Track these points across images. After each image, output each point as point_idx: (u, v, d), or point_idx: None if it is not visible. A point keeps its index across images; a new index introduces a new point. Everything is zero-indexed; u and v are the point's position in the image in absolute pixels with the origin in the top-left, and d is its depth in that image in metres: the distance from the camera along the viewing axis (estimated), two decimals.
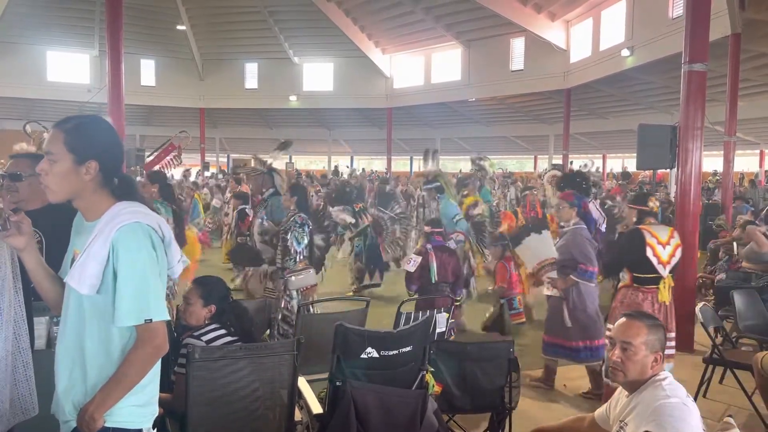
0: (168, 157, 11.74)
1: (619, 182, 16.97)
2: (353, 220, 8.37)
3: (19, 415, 2.16)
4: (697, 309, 4.90)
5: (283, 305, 4.98)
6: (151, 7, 22.14)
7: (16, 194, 2.72)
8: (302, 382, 3.27)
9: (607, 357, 2.48)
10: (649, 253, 4.37)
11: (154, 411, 2.03)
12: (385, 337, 3.19)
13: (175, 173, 16.41)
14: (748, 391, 4.54)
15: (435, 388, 3.42)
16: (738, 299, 5.23)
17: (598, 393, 4.83)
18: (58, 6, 21.80)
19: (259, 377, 2.90)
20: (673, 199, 12.63)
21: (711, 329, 4.83)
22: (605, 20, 18.76)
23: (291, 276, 5.07)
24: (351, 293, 8.79)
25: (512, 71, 22.64)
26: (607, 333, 4.57)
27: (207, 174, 22.92)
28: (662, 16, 15.38)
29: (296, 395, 3.08)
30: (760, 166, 25.05)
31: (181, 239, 4.83)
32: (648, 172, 18.04)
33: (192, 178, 18.63)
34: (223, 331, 3.18)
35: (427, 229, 5.97)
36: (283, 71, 27.36)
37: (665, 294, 4.48)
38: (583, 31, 20.04)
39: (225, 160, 32.86)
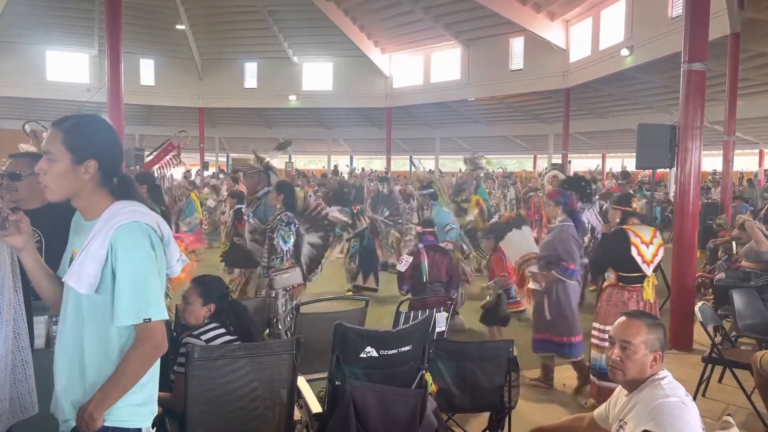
0: (167, 157, 11.74)
1: (619, 182, 16.97)
2: (349, 221, 8.37)
3: (18, 414, 2.16)
4: (696, 308, 4.91)
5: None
6: (151, 7, 22.12)
7: (15, 193, 2.73)
8: (302, 382, 3.27)
9: (607, 356, 2.48)
10: (633, 252, 4.46)
11: (154, 410, 2.04)
12: (384, 337, 3.19)
13: (176, 173, 16.41)
14: (747, 390, 4.54)
15: (432, 386, 3.42)
16: (737, 298, 5.23)
17: (585, 383, 4.97)
18: (58, 5, 21.77)
19: (258, 376, 2.90)
20: (672, 199, 12.65)
21: (710, 328, 4.84)
22: (605, 20, 18.76)
23: (276, 275, 5.07)
24: (350, 292, 8.80)
25: (511, 71, 22.63)
26: (591, 329, 4.65)
27: (207, 173, 22.91)
28: (662, 15, 15.38)
29: (295, 394, 3.08)
30: (760, 165, 25.05)
31: None
32: (647, 172, 18.05)
33: (192, 178, 18.61)
34: (222, 330, 3.18)
35: (418, 229, 6.01)
36: (283, 71, 27.34)
37: (649, 292, 4.58)
38: (582, 31, 20.03)
39: (224, 159, 32.85)
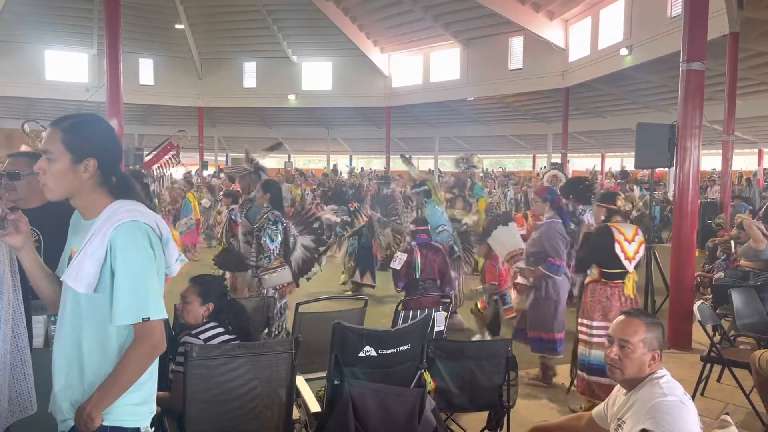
0: (166, 156, 11.73)
1: (618, 181, 16.98)
2: (338, 220, 8.38)
3: (17, 414, 2.17)
4: (695, 307, 4.92)
5: None
6: (150, 6, 22.11)
7: (14, 193, 2.73)
8: (300, 381, 3.28)
9: (605, 354, 2.48)
10: (617, 249, 4.52)
11: (152, 409, 2.03)
12: (383, 336, 3.19)
13: (176, 173, 16.39)
14: (745, 389, 4.55)
15: (431, 385, 3.43)
16: (736, 297, 5.24)
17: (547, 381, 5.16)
18: (57, 5, 21.77)
19: (257, 376, 2.90)
20: (671, 198, 12.66)
21: (709, 327, 4.85)
22: (604, 19, 18.76)
23: (265, 274, 5.06)
24: (349, 292, 8.80)
25: (511, 70, 22.63)
26: (580, 326, 4.70)
27: (206, 173, 22.90)
28: (661, 15, 15.38)
29: (294, 394, 3.08)
30: (759, 164, 25.05)
31: None
32: (646, 171, 18.06)
33: (191, 178, 18.59)
34: (221, 330, 3.19)
35: (412, 227, 6.06)
36: (282, 70, 27.34)
37: (630, 288, 4.64)
38: (581, 30, 20.03)
39: (224, 159, 32.84)
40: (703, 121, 6.59)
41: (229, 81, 27.47)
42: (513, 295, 5.80)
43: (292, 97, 27.27)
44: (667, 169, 8.93)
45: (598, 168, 19.78)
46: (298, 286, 5.42)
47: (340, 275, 9.37)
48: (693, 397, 3.15)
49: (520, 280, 5.37)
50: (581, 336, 4.63)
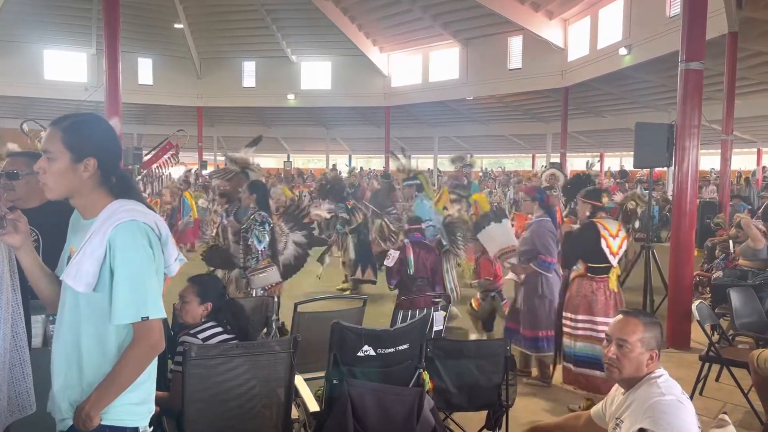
0: (165, 156, 11.76)
1: (617, 180, 16.99)
2: (327, 216, 8.41)
3: (16, 413, 2.17)
4: (693, 306, 4.92)
5: None
6: (149, 6, 22.09)
7: (12, 193, 2.73)
8: (299, 380, 3.28)
9: (604, 353, 2.49)
10: (603, 244, 4.61)
11: (151, 409, 2.03)
12: (381, 335, 3.19)
13: (176, 173, 16.40)
14: (744, 388, 4.56)
15: (429, 384, 3.43)
16: (734, 297, 5.25)
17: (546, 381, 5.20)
18: (56, 5, 21.75)
19: (255, 375, 2.90)
20: (670, 198, 12.67)
21: (707, 327, 4.85)
22: (603, 19, 18.76)
23: (253, 275, 5.06)
24: (349, 291, 8.81)
25: (510, 70, 22.62)
26: (565, 319, 4.74)
27: (206, 172, 22.87)
28: (660, 14, 15.39)
29: (293, 393, 3.08)
30: (757, 164, 25.07)
31: None
32: (645, 171, 18.08)
33: (188, 178, 18.60)
34: (219, 329, 3.19)
35: (406, 226, 6.09)
36: (281, 70, 27.32)
37: (614, 282, 4.72)
38: (580, 30, 20.03)
39: (223, 158, 32.81)
40: (702, 121, 6.60)
41: (228, 81, 27.45)
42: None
43: (291, 96, 27.26)
44: (665, 168, 8.94)
45: (597, 168, 19.65)
46: (282, 285, 5.43)
47: (339, 274, 9.35)
48: (691, 397, 3.15)
49: (509, 276, 5.44)
50: (566, 329, 4.72)
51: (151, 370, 2.00)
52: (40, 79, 24.62)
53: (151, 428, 2.04)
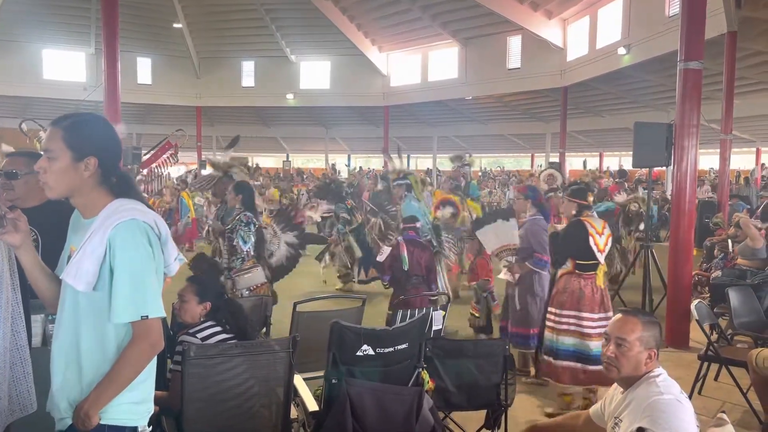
0: (164, 156, 11.76)
1: (616, 180, 16.99)
2: (319, 219, 8.40)
3: (17, 412, 2.17)
4: (692, 306, 4.93)
5: None
6: (148, 5, 22.10)
7: (12, 192, 2.73)
8: (298, 380, 3.28)
9: (602, 352, 2.49)
10: (591, 242, 4.67)
11: (150, 408, 2.03)
12: (380, 335, 3.20)
13: (175, 172, 16.38)
14: (743, 387, 4.57)
15: (429, 384, 3.43)
16: (733, 296, 5.26)
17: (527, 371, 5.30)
18: (54, 4, 21.75)
19: (254, 375, 2.90)
20: (669, 197, 12.67)
21: (706, 326, 4.85)
22: (602, 18, 18.77)
23: (238, 275, 5.05)
24: (347, 288, 8.82)
25: (509, 69, 22.64)
26: (549, 314, 4.79)
27: (204, 172, 22.82)
28: (659, 14, 15.40)
29: (292, 392, 3.08)
30: (756, 163, 25.11)
31: None
32: (644, 170, 18.10)
33: (184, 177, 18.59)
34: (218, 329, 3.19)
35: (401, 225, 6.13)
36: (280, 69, 27.32)
37: (601, 278, 4.79)
38: (579, 30, 20.04)
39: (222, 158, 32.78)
40: (701, 120, 6.60)
41: (228, 80, 27.45)
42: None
43: (290, 96, 27.26)
44: (664, 168, 8.94)
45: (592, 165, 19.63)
46: (268, 286, 5.42)
47: (338, 276, 9.33)
48: (690, 396, 3.15)
49: (503, 275, 5.44)
50: (549, 323, 4.78)
51: (151, 369, 2.00)
52: (39, 79, 24.63)
53: (150, 428, 2.03)
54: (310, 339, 3.59)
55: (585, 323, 4.58)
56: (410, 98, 26.31)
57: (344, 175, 24.80)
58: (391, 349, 3.17)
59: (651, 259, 7.09)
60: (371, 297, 7.39)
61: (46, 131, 2.00)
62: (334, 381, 3.06)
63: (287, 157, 32.79)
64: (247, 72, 27.92)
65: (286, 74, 27.38)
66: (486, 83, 23.31)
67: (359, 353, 3.08)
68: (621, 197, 9.68)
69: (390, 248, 5.70)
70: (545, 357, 4.77)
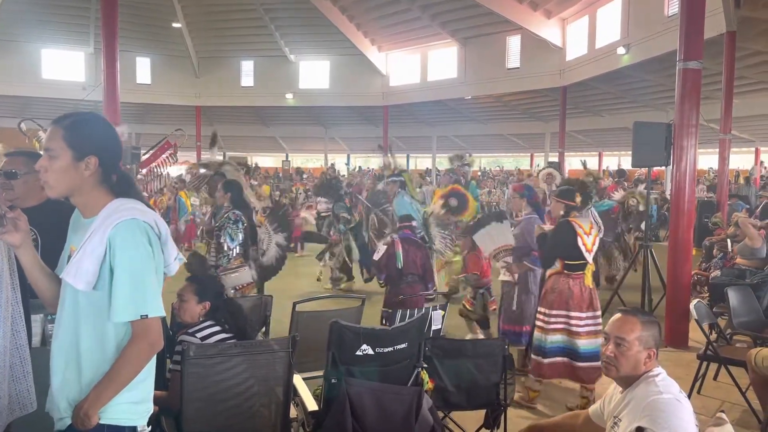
0: (164, 155, 11.74)
1: (615, 180, 17.00)
2: (312, 221, 8.40)
3: (17, 412, 2.17)
4: (691, 306, 4.93)
5: None
6: (147, 5, 22.08)
7: (11, 192, 2.73)
8: (297, 379, 3.28)
9: (601, 351, 2.49)
10: (579, 242, 4.72)
11: (149, 408, 2.03)
12: (380, 334, 3.20)
13: (174, 172, 16.35)
14: (742, 387, 4.57)
15: (428, 384, 3.43)
16: (732, 296, 5.26)
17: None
18: (54, 3, 21.72)
19: (254, 374, 2.90)
20: (668, 197, 12.67)
21: (705, 326, 4.86)
22: (601, 18, 18.76)
23: (224, 274, 5.03)
24: (348, 289, 8.82)
25: (508, 69, 22.63)
26: (539, 314, 4.80)
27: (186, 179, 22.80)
28: (658, 13, 15.40)
29: (291, 392, 3.08)
30: (756, 163, 25.12)
31: None
32: (643, 170, 18.10)
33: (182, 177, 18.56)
34: (217, 328, 3.19)
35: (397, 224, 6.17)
36: (279, 69, 27.29)
37: (589, 278, 4.84)
38: (579, 29, 20.03)
39: (221, 158, 32.76)
40: (700, 120, 6.61)
41: (227, 80, 27.41)
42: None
43: (289, 95, 27.23)
44: (664, 167, 8.93)
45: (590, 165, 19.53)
46: (254, 285, 5.42)
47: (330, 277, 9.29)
48: (689, 395, 3.16)
49: (503, 277, 5.47)
50: (538, 323, 4.83)
51: (150, 368, 2.00)
52: (38, 79, 24.60)
53: (150, 427, 2.03)
54: (309, 338, 3.59)
55: (573, 322, 4.65)
56: (409, 98, 26.28)
57: (344, 174, 24.78)
58: (390, 349, 3.17)
59: (650, 258, 7.09)
60: (370, 297, 7.40)
61: (47, 130, 2.00)
62: (333, 380, 3.07)
63: (286, 156, 32.78)
64: (247, 72, 27.89)
65: (285, 74, 27.36)
66: (485, 83, 23.29)
67: (359, 353, 3.09)
68: (618, 195, 9.68)
69: (386, 246, 5.70)
70: (535, 357, 4.82)
